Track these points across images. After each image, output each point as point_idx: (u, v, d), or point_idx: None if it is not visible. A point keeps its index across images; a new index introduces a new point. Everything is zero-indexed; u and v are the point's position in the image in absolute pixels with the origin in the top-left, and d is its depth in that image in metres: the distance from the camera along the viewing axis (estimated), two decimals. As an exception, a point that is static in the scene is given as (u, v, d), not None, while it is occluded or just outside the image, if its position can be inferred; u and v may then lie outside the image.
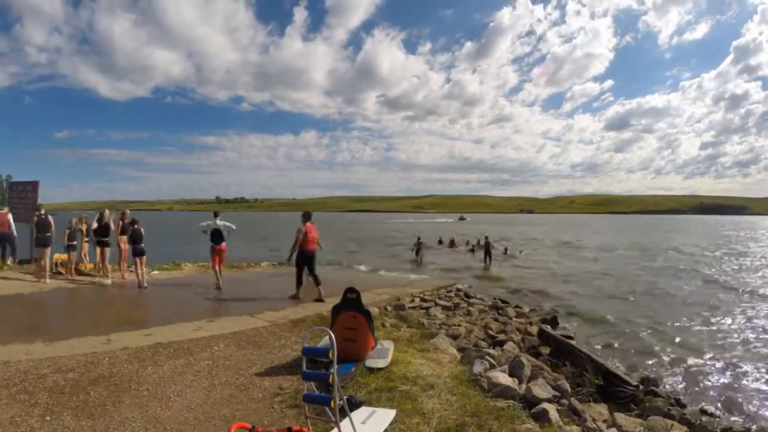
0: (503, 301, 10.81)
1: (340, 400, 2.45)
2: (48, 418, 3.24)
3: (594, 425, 3.87)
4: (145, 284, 8.91)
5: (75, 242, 9.77)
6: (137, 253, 8.90)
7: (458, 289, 11.54)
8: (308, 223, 8.03)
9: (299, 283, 8.18)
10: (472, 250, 25.60)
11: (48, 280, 8.99)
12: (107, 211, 10.07)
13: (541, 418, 3.62)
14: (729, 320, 9.92)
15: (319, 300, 7.90)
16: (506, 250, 25.83)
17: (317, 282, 8.17)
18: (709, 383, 6.28)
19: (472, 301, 10.29)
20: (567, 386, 4.75)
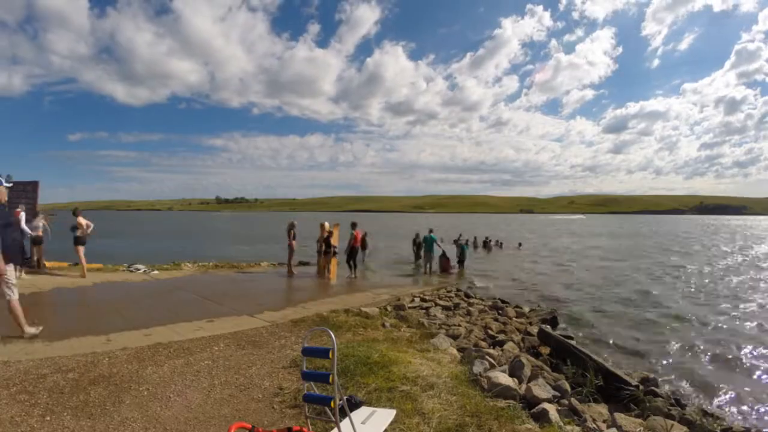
0: (503, 301, 10.81)
1: (340, 400, 2.45)
2: (48, 418, 3.24)
3: (594, 425, 3.87)
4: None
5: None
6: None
7: (458, 289, 11.55)
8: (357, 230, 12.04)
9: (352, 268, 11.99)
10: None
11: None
12: (326, 224, 11.66)
13: (541, 418, 3.62)
14: (729, 320, 9.92)
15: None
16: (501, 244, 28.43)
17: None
18: (709, 383, 6.28)
19: (472, 301, 10.30)
20: (567, 386, 4.76)
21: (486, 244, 27.42)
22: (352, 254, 11.90)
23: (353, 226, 12.09)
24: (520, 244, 29.36)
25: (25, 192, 12.34)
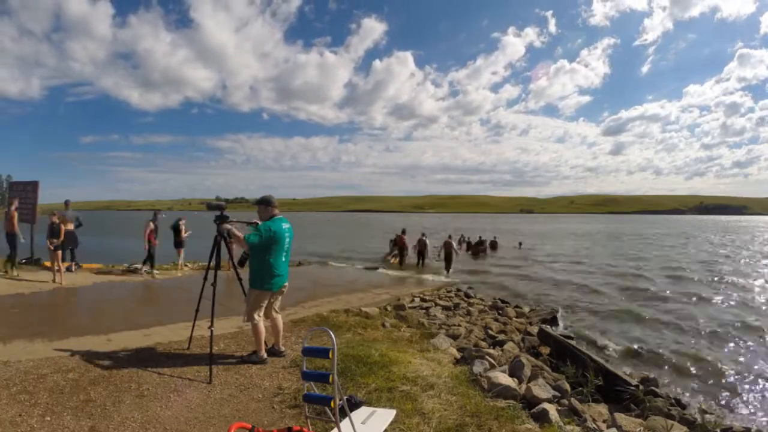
0: (503, 301, 10.81)
1: (340, 400, 2.45)
2: (48, 418, 3.24)
3: (594, 425, 3.87)
4: None
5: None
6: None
7: (458, 289, 11.55)
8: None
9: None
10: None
11: None
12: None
13: (541, 418, 3.62)
14: (729, 320, 9.92)
15: None
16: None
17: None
18: (709, 383, 6.28)
19: (472, 301, 10.30)
20: (567, 386, 4.76)
21: (472, 245, 24.41)
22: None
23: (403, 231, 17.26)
24: (520, 244, 29.23)
25: (25, 192, 12.37)
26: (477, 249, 23.64)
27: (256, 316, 4.36)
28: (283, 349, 4.77)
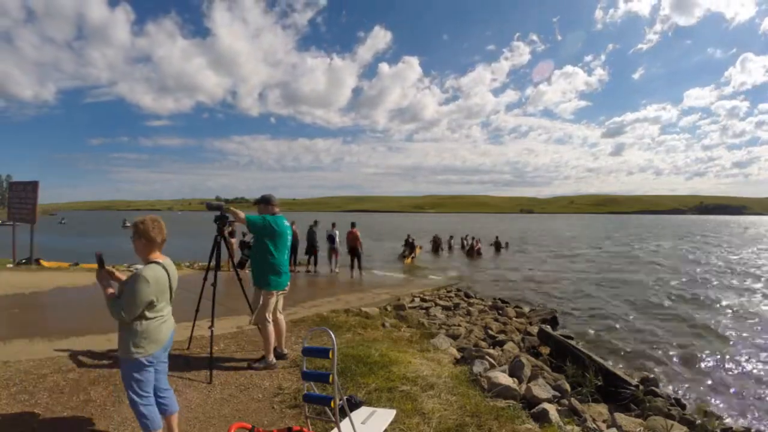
0: (503, 301, 10.81)
1: (340, 400, 2.45)
2: (48, 418, 3.24)
3: (594, 425, 3.87)
4: None
5: None
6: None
7: (458, 289, 11.55)
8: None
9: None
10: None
11: None
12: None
13: (541, 418, 3.62)
14: (729, 320, 9.92)
15: None
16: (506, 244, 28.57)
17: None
18: (709, 383, 6.28)
19: (472, 301, 10.30)
20: (567, 386, 4.76)
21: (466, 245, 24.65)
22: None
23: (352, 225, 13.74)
24: (507, 244, 28.76)
25: (25, 192, 12.39)
26: (472, 251, 23.57)
27: (267, 318, 4.25)
28: (285, 351, 4.70)
